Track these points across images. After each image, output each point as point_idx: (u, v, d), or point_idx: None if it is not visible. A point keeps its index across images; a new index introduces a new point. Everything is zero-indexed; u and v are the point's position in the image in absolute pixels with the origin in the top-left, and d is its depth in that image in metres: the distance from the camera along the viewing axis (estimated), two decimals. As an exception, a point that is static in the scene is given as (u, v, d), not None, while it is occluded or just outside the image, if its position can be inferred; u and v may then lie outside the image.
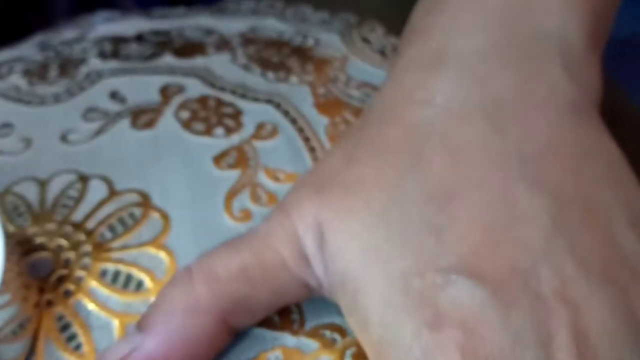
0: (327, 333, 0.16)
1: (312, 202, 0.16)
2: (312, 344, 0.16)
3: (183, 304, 0.16)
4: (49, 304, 0.17)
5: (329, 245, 0.16)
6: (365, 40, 0.25)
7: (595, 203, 0.15)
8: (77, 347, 0.16)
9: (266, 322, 0.16)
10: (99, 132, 0.21)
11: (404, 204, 0.15)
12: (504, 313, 0.14)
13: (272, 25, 0.26)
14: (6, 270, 0.16)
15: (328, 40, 0.24)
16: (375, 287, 0.15)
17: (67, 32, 0.27)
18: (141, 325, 0.16)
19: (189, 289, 0.16)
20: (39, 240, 0.18)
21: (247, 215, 0.19)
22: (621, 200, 0.15)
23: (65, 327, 0.17)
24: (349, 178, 0.16)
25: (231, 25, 0.26)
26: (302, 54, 0.24)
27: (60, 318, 0.17)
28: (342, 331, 0.16)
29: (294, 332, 0.16)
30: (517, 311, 0.14)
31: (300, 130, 0.21)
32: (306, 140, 0.21)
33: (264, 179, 0.20)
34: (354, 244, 0.15)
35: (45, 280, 0.18)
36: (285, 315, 0.17)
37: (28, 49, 0.26)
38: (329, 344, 0.16)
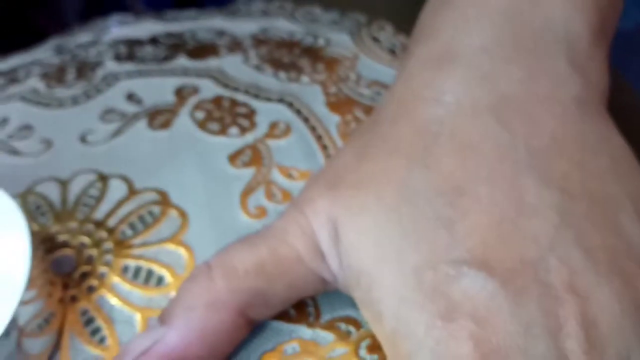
0: (342, 325, 0.17)
1: (325, 198, 0.17)
2: (327, 336, 0.17)
3: (202, 298, 0.16)
4: (73, 299, 0.18)
5: (343, 241, 0.16)
6: (375, 39, 0.25)
7: (602, 196, 0.16)
8: (101, 341, 0.17)
9: (283, 315, 0.17)
10: (117, 133, 0.22)
11: (414, 200, 0.16)
12: (514, 303, 0.14)
13: (283, 26, 0.26)
14: (32, 267, 0.16)
15: (338, 40, 0.25)
16: (389, 280, 0.15)
17: (82, 36, 0.28)
18: (162, 319, 0.16)
19: (208, 284, 0.16)
20: (61, 238, 0.19)
21: (262, 212, 0.19)
22: (628, 193, 0.16)
23: (89, 322, 0.17)
24: (360, 175, 0.17)
25: (243, 27, 0.26)
26: (313, 53, 0.24)
27: (84, 313, 0.18)
28: (357, 324, 0.17)
29: (310, 325, 0.17)
30: (527, 301, 0.14)
31: (313, 129, 0.21)
32: (318, 138, 0.21)
33: (278, 176, 0.20)
34: (367, 239, 0.16)
35: (69, 277, 0.18)
36: (301, 308, 0.17)
37: (44, 53, 0.27)
38: (344, 336, 0.17)
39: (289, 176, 0.20)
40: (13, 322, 0.16)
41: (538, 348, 0.14)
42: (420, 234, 0.15)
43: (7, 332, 0.16)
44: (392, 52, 0.24)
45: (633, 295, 0.14)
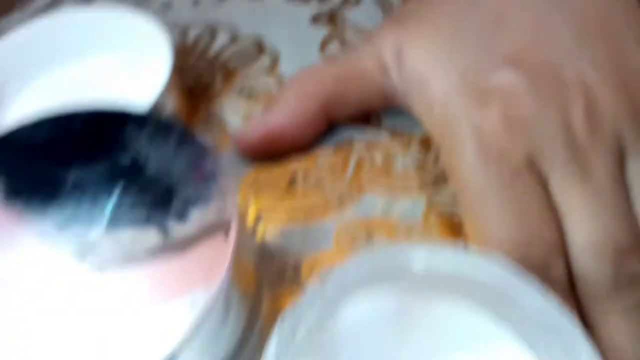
0: (399, 129, 0.22)
1: (391, 30, 0.22)
2: (387, 135, 0.22)
3: (295, 95, 0.21)
4: (196, 101, 0.23)
5: (406, 58, 0.21)
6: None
7: (612, 27, 0.20)
8: (218, 131, 0.23)
9: (353, 120, 0.22)
10: (219, 2, 0.27)
11: (464, 28, 0.21)
12: (535, 90, 0.19)
13: None
14: (172, 69, 0.22)
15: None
16: (440, 80, 0.20)
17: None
18: (265, 110, 0.22)
19: (299, 86, 0.22)
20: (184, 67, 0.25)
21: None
22: (630, 25, 0.20)
23: (208, 118, 0.23)
24: (421, 15, 0.22)
25: None
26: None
27: (206, 112, 0.23)
28: (411, 128, 0.22)
29: (374, 127, 0.22)
30: (544, 86, 0.19)
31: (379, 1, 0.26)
32: (384, 5, 0.26)
33: (349, 34, 0.25)
34: (425, 53, 0.21)
35: (193, 89, 0.24)
36: (368, 117, 0.22)
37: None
38: (399, 135, 0.22)
39: (358, 32, 0.25)
40: (155, 107, 0.21)
41: (550, 117, 0.18)
42: (467, 48, 0.20)
43: (150, 114, 0.21)
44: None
45: (628, 95, 0.19)
